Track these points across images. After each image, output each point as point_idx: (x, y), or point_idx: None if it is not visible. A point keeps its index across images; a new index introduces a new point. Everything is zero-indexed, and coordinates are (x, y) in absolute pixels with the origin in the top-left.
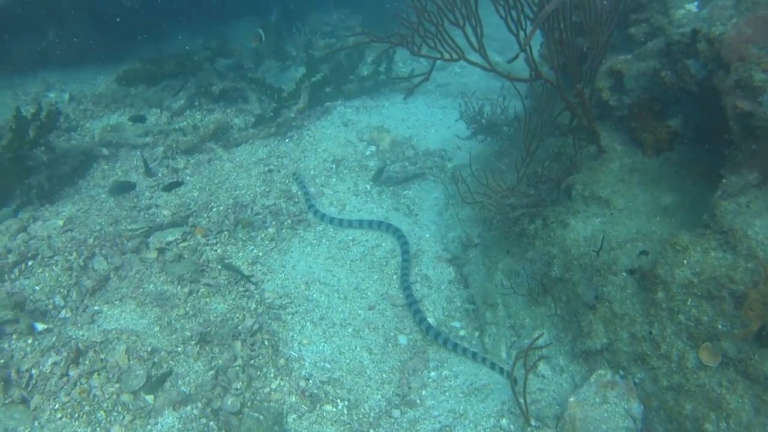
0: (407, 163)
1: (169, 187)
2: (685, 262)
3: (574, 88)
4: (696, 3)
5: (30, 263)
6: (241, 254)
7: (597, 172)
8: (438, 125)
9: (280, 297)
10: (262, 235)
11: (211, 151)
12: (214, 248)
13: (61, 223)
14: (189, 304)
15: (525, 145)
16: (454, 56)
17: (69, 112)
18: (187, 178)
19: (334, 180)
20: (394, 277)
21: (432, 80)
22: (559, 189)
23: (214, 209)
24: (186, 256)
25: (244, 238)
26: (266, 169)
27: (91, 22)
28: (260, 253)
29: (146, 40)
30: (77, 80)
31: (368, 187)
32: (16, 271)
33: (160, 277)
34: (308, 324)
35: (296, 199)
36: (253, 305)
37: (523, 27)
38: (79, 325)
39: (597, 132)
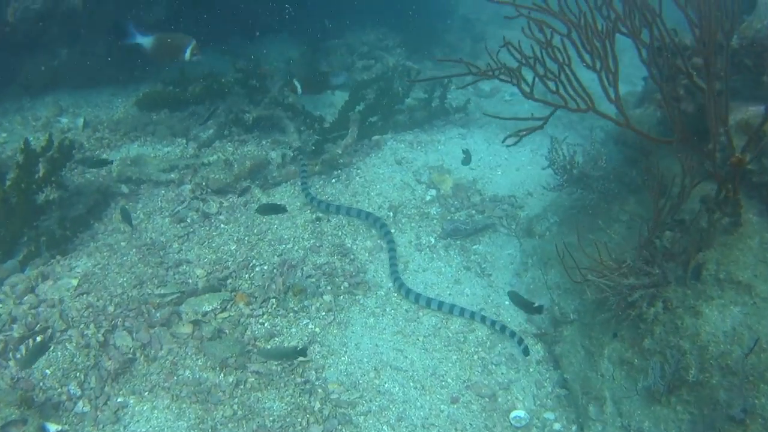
0: (473, 211)
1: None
2: None
3: (731, 156)
4: None
5: (39, 339)
6: (294, 330)
7: (733, 250)
8: (504, 166)
9: (348, 390)
10: (317, 304)
11: (247, 192)
12: (261, 321)
13: (74, 283)
14: (236, 400)
15: (654, 212)
16: (582, 105)
17: (83, 141)
18: (222, 225)
19: (393, 231)
20: (475, 356)
21: (478, 107)
22: (686, 268)
23: (257, 269)
24: (227, 331)
25: (296, 308)
26: (313, 216)
27: (108, 40)
28: (317, 329)
29: None
30: (92, 103)
31: (432, 240)
32: (23, 348)
33: (197, 360)
34: (385, 428)
35: (351, 256)
36: (317, 404)
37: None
38: (101, 426)
39: (741, 205)
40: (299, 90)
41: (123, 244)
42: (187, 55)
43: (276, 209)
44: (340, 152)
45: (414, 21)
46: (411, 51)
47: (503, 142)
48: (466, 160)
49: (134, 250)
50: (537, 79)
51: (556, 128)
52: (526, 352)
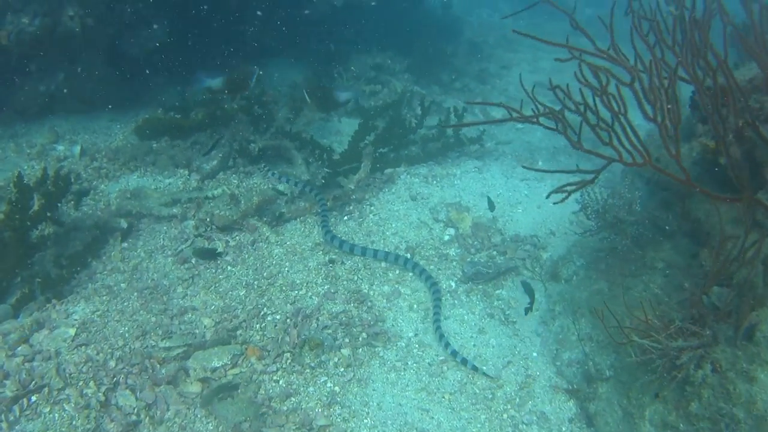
0: (494, 252)
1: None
2: None
3: None
4: None
5: (34, 398)
6: (311, 389)
7: None
8: (525, 203)
9: None
10: (335, 359)
11: (255, 230)
12: (275, 378)
13: (72, 332)
14: None
15: (712, 271)
16: (638, 159)
17: (80, 170)
18: (229, 267)
19: (411, 275)
20: (505, 415)
21: (491, 136)
22: (737, 327)
23: (269, 318)
24: (239, 390)
25: (312, 364)
26: (326, 258)
27: (107, 63)
28: (336, 388)
29: (169, 83)
30: (90, 130)
31: (453, 285)
32: (16, 409)
33: (207, 423)
34: None
35: (369, 303)
36: None
37: None
38: None
39: None
40: (307, 98)
41: (123, 286)
42: (253, 82)
43: (210, 254)
44: (353, 187)
45: (421, 45)
46: (418, 75)
47: (547, 197)
48: (491, 206)
49: (135, 294)
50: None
51: (569, 157)
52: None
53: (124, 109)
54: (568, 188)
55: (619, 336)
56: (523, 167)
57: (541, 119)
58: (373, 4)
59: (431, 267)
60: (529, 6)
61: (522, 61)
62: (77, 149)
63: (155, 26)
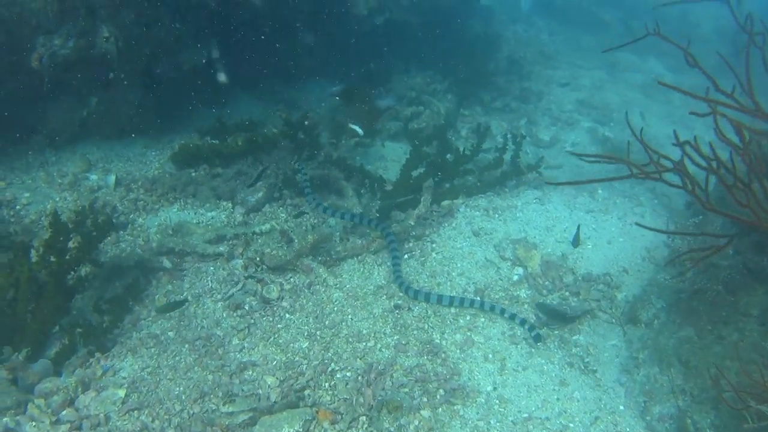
0: (567, 293)
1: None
2: None
3: None
4: None
5: None
6: None
7: None
8: (594, 239)
9: None
10: (416, 422)
11: (311, 272)
12: None
13: (122, 393)
14: None
15: None
16: None
17: (116, 202)
18: (287, 315)
19: (482, 320)
20: None
21: (538, 158)
22: None
23: (338, 375)
24: None
25: (391, 429)
26: (391, 304)
27: (142, 86)
28: None
29: (204, 106)
30: (123, 157)
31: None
32: None
33: None
34: None
35: (443, 355)
36: None
37: None
38: None
39: None
40: (360, 132)
41: (171, 335)
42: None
43: (177, 305)
44: (412, 223)
45: (463, 63)
46: (460, 96)
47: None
48: (575, 242)
49: (187, 346)
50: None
51: (623, 182)
52: (537, 338)
53: (158, 135)
54: (693, 255)
55: (718, 390)
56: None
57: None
58: (414, 20)
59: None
60: (637, 39)
61: (562, 79)
62: (112, 179)
63: (193, 46)
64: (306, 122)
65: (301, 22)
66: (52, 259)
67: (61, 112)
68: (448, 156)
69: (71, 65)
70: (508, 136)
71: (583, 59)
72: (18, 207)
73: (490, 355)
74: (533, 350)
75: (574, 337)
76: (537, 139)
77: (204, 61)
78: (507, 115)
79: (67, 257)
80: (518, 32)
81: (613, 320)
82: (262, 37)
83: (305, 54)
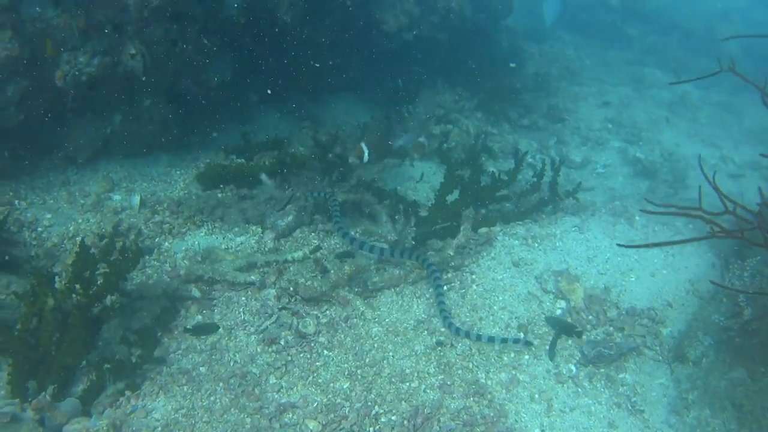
0: (611, 328)
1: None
2: None
3: None
4: None
5: None
6: None
7: None
8: (637, 270)
9: None
10: None
11: (347, 304)
12: None
13: None
14: None
15: None
16: None
17: (141, 225)
18: (325, 352)
19: (527, 357)
20: None
21: (570, 180)
22: None
23: (383, 419)
24: None
25: None
26: (433, 341)
27: (166, 103)
28: None
29: (228, 122)
30: (147, 176)
31: (573, 369)
32: None
33: None
34: None
35: (489, 396)
36: None
37: None
38: None
39: None
40: (366, 155)
41: (203, 370)
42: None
43: (209, 329)
44: (451, 253)
45: (491, 79)
46: (488, 113)
47: None
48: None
49: (221, 384)
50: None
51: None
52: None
53: (182, 152)
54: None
55: None
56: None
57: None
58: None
59: (547, 348)
60: (712, 74)
61: (588, 95)
62: (136, 200)
63: (220, 62)
64: (336, 142)
65: (330, 38)
66: (78, 289)
67: (83, 130)
68: (483, 180)
69: (96, 83)
70: (546, 160)
71: (608, 75)
72: (40, 229)
73: (536, 395)
74: (580, 390)
75: (621, 376)
76: (568, 159)
77: (230, 77)
78: (535, 133)
79: (94, 288)
80: (543, 47)
81: (660, 358)
82: (292, 53)
83: (332, 69)
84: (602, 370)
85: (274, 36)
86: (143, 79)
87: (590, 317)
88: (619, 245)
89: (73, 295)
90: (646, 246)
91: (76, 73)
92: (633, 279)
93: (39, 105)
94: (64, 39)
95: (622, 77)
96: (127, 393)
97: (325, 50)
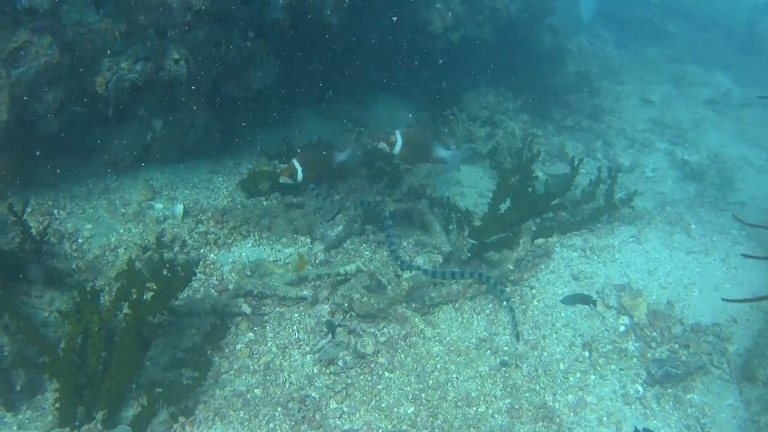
0: (677, 346)
1: None
2: None
3: None
4: None
5: None
6: None
7: None
8: (700, 284)
9: None
10: None
11: (405, 321)
12: None
13: None
14: None
15: None
16: None
17: (185, 236)
18: (386, 374)
19: (593, 377)
20: None
21: (621, 186)
22: None
23: None
24: None
25: None
26: (497, 361)
27: (209, 107)
28: None
29: (271, 125)
30: (188, 183)
31: (640, 389)
32: None
33: None
34: None
35: (557, 420)
36: None
37: None
38: None
39: None
40: (299, 175)
41: (258, 392)
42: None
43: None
44: (511, 267)
45: (536, 79)
46: (532, 114)
47: None
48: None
49: (280, 409)
50: None
51: (708, 210)
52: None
53: (223, 158)
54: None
55: None
56: None
57: None
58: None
59: (612, 367)
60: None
61: (631, 94)
62: (179, 209)
63: (263, 65)
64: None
65: (374, 39)
66: (127, 310)
67: (124, 136)
68: (531, 187)
69: (139, 91)
70: (603, 168)
71: (649, 73)
72: (80, 240)
73: (605, 418)
74: (648, 412)
75: (689, 396)
76: (616, 163)
77: (274, 81)
78: (579, 134)
79: (144, 309)
80: (582, 44)
81: (728, 377)
82: (336, 55)
83: (374, 71)
84: (670, 391)
85: (319, 37)
86: (186, 83)
87: (654, 334)
88: (724, 299)
89: (121, 315)
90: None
91: (118, 79)
92: (696, 293)
93: (79, 112)
94: (105, 44)
95: (663, 75)
96: (181, 419)
97: (368, 51)
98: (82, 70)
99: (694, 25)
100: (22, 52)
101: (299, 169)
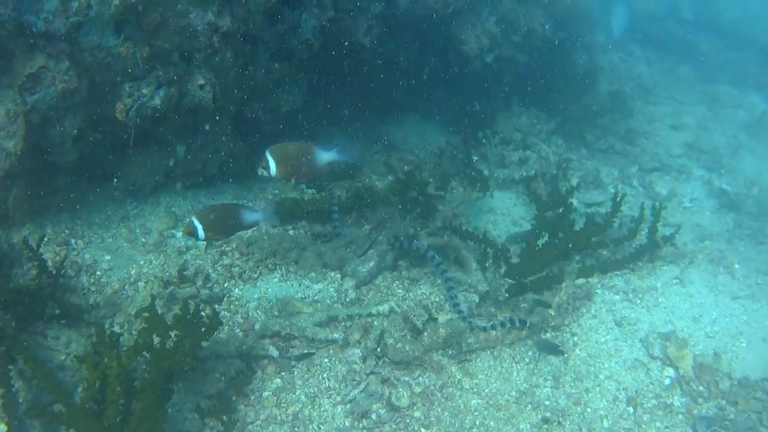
0: (724, 402)
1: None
2: None
3: None
4: None
5: None
6: None
7: None
8: (747, 334)
9: None
10: None
11: (441, 369)
12: None
13: None
14: None
15: None
16: None
17: (208, 269)
18: (422, 430)
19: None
20: None
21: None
22: None
23: None
24: None
25: None
26: (538, 417)
27: (234, 131)
28: None
29: None
30: None
31: None
32: None
33: None
34: None
35: None
36: None
37: None
38: None
39: None
40: (200, 232)
41: None
42: None
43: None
44: (552, 313)
45: (569, 101)
46: (566, 137)
47: None
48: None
49: None
50: None
51: (747, 243)
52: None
53: (246, 183)
54: None
55: None
56: None
57: None
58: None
59: (657, 425)
60: None
61: (664, 116)
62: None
63: (292, 87)
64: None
65: (407, 60)
66: (149, 359)
67: (145, 162)
68: (571, 221)
69: (161, 117)
70: (646, 204)
71: (682, 93)
72: (98, 273)
73: None
74: None
75: None
76: (653, 192)
77: (301, 103)
78: (613, 158)
79: (167, 360)
80: (614, 62)
81: None
82: (366, 76)
83: (404, 91)
84: None
85: (350, 59)
86: (211, 109)
87: (701, 388)
88: None
89: (143, 364)
90: None
91: (140, 106)
92: (744, 344)
93: (98, 139)
94: (126, 69)
95: (696, 96)
96: None
97: (400, 72)
98: (101, 96)
99: (728, 43)
100: (39, 78)
101: (200, 227)
